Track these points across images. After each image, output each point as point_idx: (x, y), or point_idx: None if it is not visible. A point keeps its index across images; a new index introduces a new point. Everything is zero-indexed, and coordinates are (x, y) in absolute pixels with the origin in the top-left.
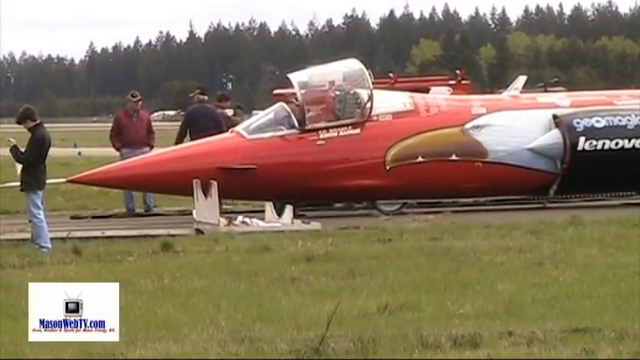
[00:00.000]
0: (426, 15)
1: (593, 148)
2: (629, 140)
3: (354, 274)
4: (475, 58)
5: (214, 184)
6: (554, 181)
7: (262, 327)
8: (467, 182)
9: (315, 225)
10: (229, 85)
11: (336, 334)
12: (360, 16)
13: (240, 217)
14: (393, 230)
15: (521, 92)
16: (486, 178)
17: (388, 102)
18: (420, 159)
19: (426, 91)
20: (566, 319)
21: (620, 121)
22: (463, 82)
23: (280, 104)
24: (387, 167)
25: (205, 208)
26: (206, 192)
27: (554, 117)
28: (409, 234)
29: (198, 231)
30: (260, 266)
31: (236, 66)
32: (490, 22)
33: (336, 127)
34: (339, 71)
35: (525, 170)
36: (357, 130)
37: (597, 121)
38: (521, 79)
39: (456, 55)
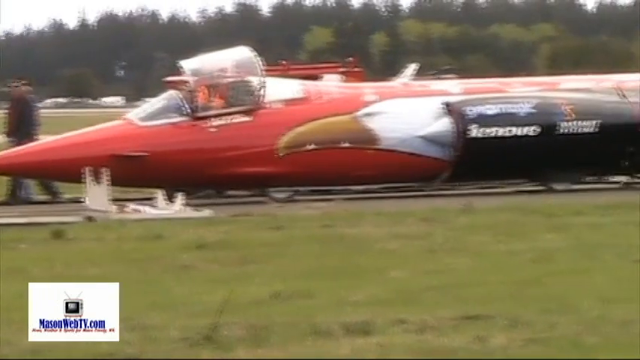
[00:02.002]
0: (318, 2)
1: (485, 136)
2: (521, 128)
3: (246, 262)
4: (367, 45)
5: (106, 171)
6: (446, 168)
7: (155, 314)
8: (359, 170)
9: (207, 212)
10: (122, 72)
11: (228, 321)
12: (251, 3)
13: (131, 205)
14: (285, 218)
15: (413, 80)
16: (378, 166)
17: (280, 89)
18: (311, 146)
19: (318, 78)
20: (459, 306)
21: (511, 108)
22: (355, 69)
23: (172, 91)
24: (279, 155)
25: (97, 196)
26: (98, 179)
27: (446, 104)
28: (301, 221)
29: (90, 218)
30: (152, 254)
31: (128, 53)
32: (382, 9)
33: (228, 114)
34: (231, 58)
35: (417, 157)
36: (249, 118)
37: (489, 109)
38: (413, 67)
39: (348, 42)
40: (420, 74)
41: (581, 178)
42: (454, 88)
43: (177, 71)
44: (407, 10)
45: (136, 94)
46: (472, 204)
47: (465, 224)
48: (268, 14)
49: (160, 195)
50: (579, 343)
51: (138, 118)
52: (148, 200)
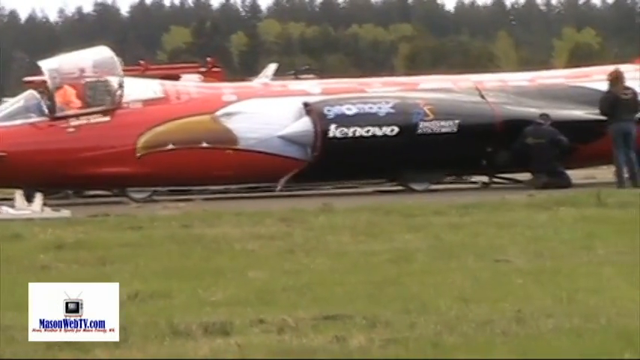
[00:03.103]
0: (177, 2)
1: (344, 136)
2: (380, 128)
3: (104, 262)
4: (226, 45)
5: None
6: (305, 168)
7: (12, 315)
8: (218, 170)
9: (65, 213)
10: None
11: None
12: (110, 3)
13: None
14: (144, 218)
15: (272, 80)
16: (237, 166)
17: (139, 89)
18: (170, 146)
19: (177, 78)
20: (318, 306)
21: (371, 108)
22: (214, 69)
23: (30, 91)
24: (138, 155)
25: None
26: None
27: (305, 104)
28: (160, 221)
29: None
30: (10, 254)
31: None
32: (241, 9)
33: (87, 114)
34: (90, 58)
35: (277, 157)
36: (108, 118)
37: (348, 109)
38: (272, 67)
39: (207, 42)
40: (279, 74)
41: (440, 178)
42: (313, 88)
43: (36, 71)
44: (266, 11)
45: None
46: (331, 204)
47: (324, 224)
48: (127, 14)
49: (18, 195)
50: (438, 343)
51: None
52: (7, 200)
